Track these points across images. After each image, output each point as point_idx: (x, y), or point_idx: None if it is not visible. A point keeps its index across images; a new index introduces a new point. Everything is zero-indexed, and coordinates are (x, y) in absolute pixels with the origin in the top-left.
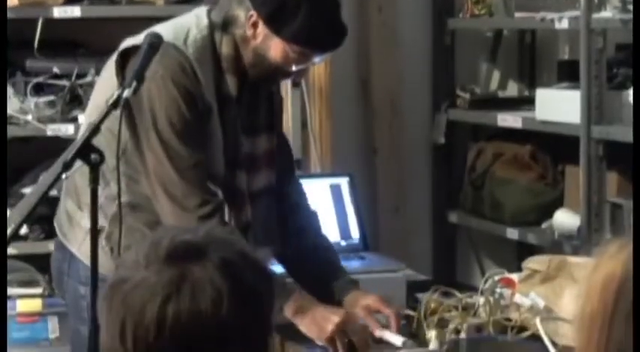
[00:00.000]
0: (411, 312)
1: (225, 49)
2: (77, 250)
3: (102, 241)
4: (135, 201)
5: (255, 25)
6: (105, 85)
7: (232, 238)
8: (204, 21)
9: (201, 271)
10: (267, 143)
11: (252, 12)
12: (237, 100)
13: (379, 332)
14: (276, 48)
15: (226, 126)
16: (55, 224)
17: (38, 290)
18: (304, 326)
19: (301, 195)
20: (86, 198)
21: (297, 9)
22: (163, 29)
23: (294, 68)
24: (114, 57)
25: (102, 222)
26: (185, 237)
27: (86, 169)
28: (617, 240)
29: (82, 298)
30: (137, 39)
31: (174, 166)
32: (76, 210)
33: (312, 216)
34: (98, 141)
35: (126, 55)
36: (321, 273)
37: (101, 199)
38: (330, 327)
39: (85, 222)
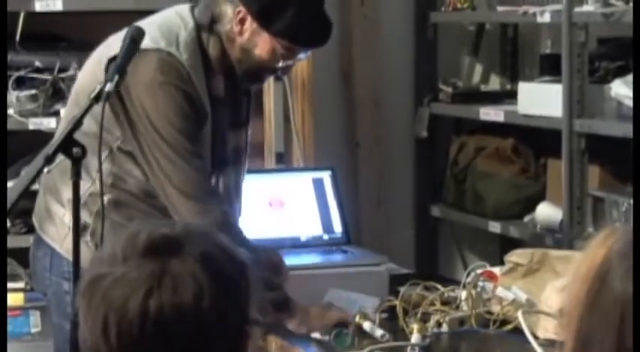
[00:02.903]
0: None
1: (212, 50)
2: (60, 247)
3: (87, 237)
4: (119, 198)
5: (242, 21)
6: (86, 80)
7: (209, 231)
8: (191, 22)
9: (180, 264)
10: (245, 136)
11: (240, 8)
12: (223, 99)
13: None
14: (263, 44)
15: (216, 126)
16: (35, 220)
17: (20, 285)
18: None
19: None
20: (67, 195)
21: (286, 4)
22: (151, 31)
23: (280, 64)
24: (95, 54)
25: (86, 218)
26: (162, 230)
27: (65, 166)
28: (604, 230)
29: (66, 294)
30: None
31: (186, 163)
32: (58, 207)
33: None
34: (82, 141)
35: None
36: None
37: (85, 196)
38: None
39: (68, 219)
